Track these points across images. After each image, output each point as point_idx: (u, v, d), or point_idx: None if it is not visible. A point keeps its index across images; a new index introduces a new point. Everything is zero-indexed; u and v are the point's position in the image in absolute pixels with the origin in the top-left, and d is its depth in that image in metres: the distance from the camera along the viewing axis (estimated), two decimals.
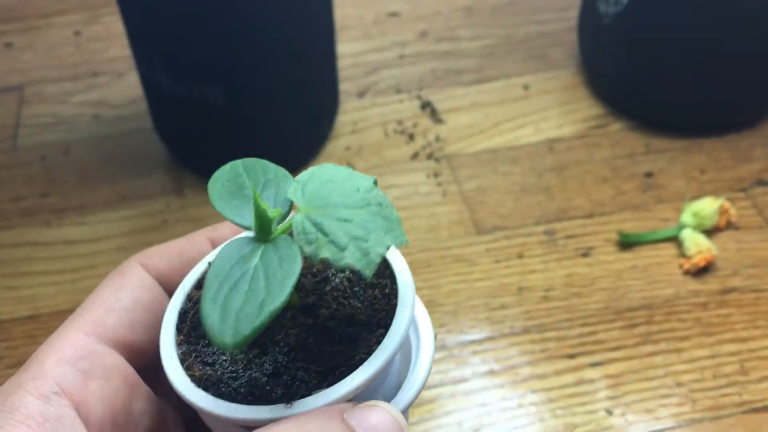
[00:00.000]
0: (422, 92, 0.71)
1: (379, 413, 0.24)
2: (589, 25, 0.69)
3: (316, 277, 0.28)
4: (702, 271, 0.55)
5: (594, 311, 0.54)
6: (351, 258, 0.23)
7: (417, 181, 0.63)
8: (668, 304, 0.54)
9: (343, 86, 0.71)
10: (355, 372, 0.24)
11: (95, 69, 0.75)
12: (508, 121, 0.68)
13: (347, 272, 0.28)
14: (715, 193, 0.61)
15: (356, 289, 0.27)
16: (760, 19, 0.60)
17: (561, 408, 0.49)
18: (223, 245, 0.25)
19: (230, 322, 0.22)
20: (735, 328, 0.52)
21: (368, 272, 0.23)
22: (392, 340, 0.25)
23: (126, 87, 0.73)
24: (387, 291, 0.27)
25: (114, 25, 0.79)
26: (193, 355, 0.26)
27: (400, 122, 0.69)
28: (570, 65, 0.73)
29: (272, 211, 0.24)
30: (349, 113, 0.69)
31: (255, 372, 0.25)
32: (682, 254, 0.56)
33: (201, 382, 0.25)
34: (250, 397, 0.25)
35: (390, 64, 0.74)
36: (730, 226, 0.59)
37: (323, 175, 0.26)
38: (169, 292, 0.30)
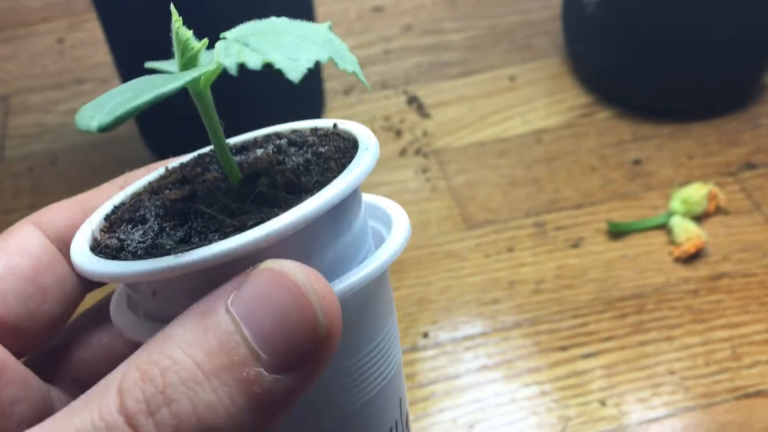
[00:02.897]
0: (408, 87, 0.71)
1: (265, 280, 0.18)
2: (573, 13, 0.69)
3: (271, 162, 0.24)
4: (692, 257, 0.56)
5: (585, 302, 0.54)
6: (274, 57, 0.19)
7: (406, 177, 0.63)
8: (659, 292, 0.54)
9: (329, 84, 0.71)
10: (261, 225, 0.20)
11: (79, 76, 0.74)
12: (495, 114, 0.68)
13: (307, 154, 0.24)
14: (703, 178, 0.61)
15: (312, 168, 0.23)
16: (743, 2, 0.60)
17: (554, 401, 0.49)
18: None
19: (105, 104, 0.19)
20: (726, 314, 0.53)
21: (294, 75, 0.19)
22: (321, 196, 0.20)
23: None
24: (344, 162, 0.23)
25: (97, 30, 0.78)
26: (109, 232, 0.23)
27: (387, 118, 0.69)
28: (555, 54, 0.73)
29: (196, 42, 0.21)
30: (335, 111, 0.69)
31: (164, 239, 0.21)
32: (672, 241, 0.57)
33: (97, 249, 0.22)
34: (146, 256, 0.21)
35: (375, 60, 0.74)
36: (719, 211, 0.59)
37: (268, 22, 0.22)
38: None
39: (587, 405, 0.48)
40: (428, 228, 0.59)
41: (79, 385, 0.25)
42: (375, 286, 0.23)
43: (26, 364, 0.24)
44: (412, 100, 0.70)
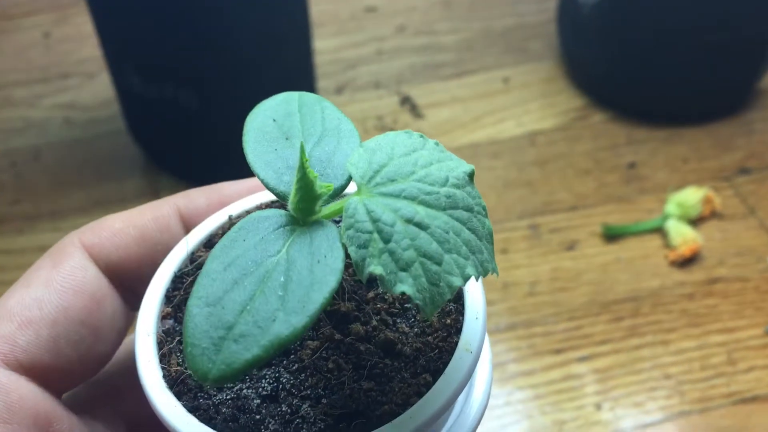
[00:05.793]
0: (401, 87, 0.70)
1: None
2: (569, 15, 0.68)
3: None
4: (687, 261, 0.55)
5: (580, 305, 0.53)
6: (410, 286, 0.16)
7: None
8: (654, 295, 0.53)
9: (321, 83, 0.70)
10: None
11: (65, 71, 0.73)
12: (488, 115, 0.68)
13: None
14: (698, 182, 0.60)
15: (408, 305, 0.20)
16: (738, 7, 0.60)
17: (549, 404, 0.48)
18: (248, 216, 0.18)
19: (219, 342, 0.15)
20: (722, 318, 0.52)
21: (429, 311, 0.16)
22: (439, 396, 0.18)
23: (97, 88, 0.71)
24: (448, 321, 0.20)
25: (84, 25, 0.77)
26: (177, 338, 0.20)
27: (379, 118, 0.68)
28: (550, 57, 0.73)
29: (321, 185, 0.18)
30: None
31: (247, 387, 0.19)
32: (667, 245, 0.56)
33: (175, 383, 0.19)
34: (232, 423, 0.18)
35: (368, 60, 0.73)
36: (714, 215, 0.58)
37: (400, 146, 0.19)
38: (122, 286, 0.23)
39: (582, 409, 0.48)
40: None
41: (121, 416, 0.24)
42: None
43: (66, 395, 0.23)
44: (405, 101, 0.69)
